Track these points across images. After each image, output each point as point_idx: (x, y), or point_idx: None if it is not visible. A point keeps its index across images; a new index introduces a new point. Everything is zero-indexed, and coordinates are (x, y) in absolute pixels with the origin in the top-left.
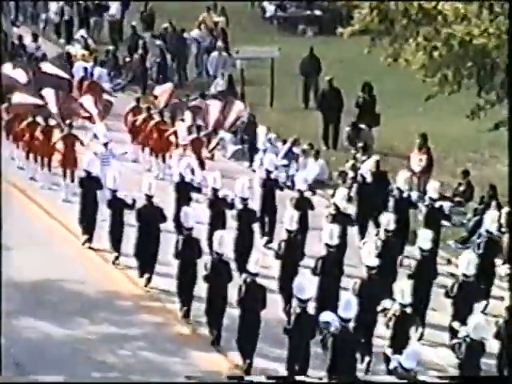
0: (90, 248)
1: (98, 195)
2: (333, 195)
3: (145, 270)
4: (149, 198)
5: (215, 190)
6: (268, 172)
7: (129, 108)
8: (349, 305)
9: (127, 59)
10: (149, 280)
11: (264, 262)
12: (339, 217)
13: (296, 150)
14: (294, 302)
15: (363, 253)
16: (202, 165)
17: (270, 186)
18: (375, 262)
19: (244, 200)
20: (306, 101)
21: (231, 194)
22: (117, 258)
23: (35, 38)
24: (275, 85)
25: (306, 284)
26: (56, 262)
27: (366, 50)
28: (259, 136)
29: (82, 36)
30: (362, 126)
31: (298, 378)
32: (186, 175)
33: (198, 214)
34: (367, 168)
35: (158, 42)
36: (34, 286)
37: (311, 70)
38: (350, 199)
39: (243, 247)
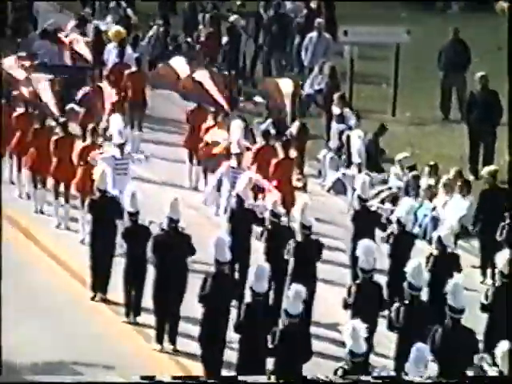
0: (104, 302)
1: (119, 226)
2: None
3: (163, 329)
4: (172, 222)
5: (275, 216)
6: (362, 200)
7: (188, 111)
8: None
9: (188, 39)
10: (172, 341)
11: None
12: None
13: (430, 181)
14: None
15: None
16: (291, 199)
17: (364, 222)
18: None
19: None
20: (446, 108)
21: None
22: (128, 314)
23: (83, 20)
24: (400, 84)
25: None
26: (68, 334)
27: None
28: (352, 141)
29: (118, 4)
30: None
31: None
32: (247, 199)
33: None
34: None
35: (234, 17)
36: (35, 373)
37: (455, 63)
38: None
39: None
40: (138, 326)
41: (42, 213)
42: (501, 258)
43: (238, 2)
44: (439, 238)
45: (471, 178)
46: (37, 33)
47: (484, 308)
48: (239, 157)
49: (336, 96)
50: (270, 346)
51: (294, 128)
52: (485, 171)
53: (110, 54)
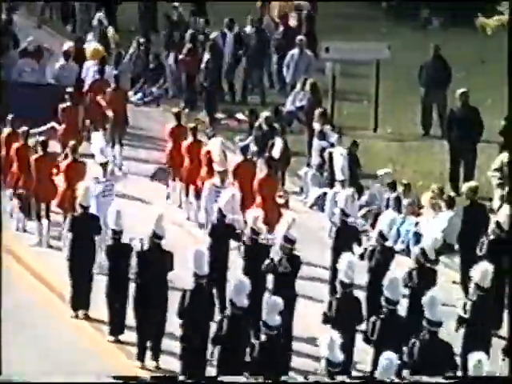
0: (87, 319)
1: (97, 242)
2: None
3: (145, 346)
4: (156, 237)
5: (255, 233)
6: (344, 214)
7: (169, 128)
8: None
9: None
10: (155, 358)
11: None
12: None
13: (404, 201)
14: None
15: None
16: (275, 216)
17: (345, 238)
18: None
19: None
20: (427, 124)
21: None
22: (113, 333)
23: (79, 42)
24: (381, 100)
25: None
26: (49, 351)
27: None
28: (335, 159)
29: (100, 21)
30: None
31: None
32: (229, 214)
33: None
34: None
35: (215, 34)
36: None
37: (436, 80)
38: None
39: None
40: (120, 344)
41: (24, 231)
42: (477, 271)
43: (201, 20)
44: (423, 250)
45: (452, 194)
46: (17, 51)
47: (461, 322)
48: (222, 175)
49: (317, 112)
50: (248, 359)
51: (276, 147)
52: (465, 187)
53: (88, 71)
